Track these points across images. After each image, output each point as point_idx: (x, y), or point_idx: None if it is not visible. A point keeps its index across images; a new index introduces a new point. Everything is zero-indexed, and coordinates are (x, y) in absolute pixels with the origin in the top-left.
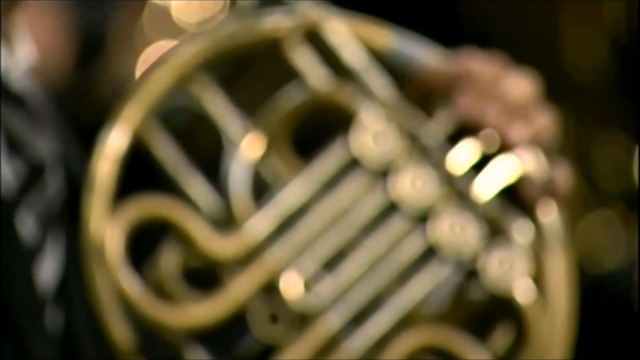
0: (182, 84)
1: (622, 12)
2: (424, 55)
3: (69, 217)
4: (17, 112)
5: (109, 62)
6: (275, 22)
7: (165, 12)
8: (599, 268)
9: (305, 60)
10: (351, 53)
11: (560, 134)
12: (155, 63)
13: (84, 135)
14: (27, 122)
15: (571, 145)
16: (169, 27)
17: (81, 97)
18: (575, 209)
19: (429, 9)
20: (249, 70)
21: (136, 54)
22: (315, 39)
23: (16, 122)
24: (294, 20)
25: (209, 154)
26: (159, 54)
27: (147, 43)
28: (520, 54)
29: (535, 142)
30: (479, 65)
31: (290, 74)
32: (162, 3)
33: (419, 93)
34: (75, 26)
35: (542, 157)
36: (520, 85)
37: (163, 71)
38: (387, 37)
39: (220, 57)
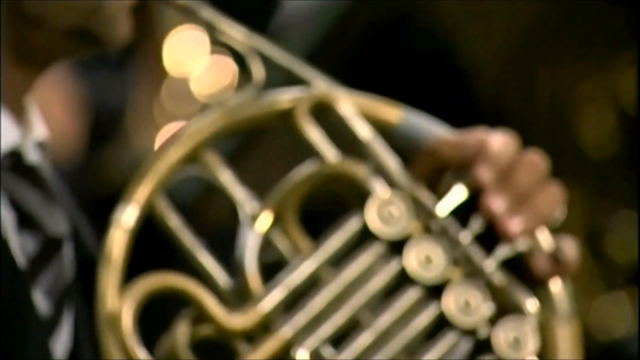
0: (191, 161)
1: (637, 91)
2: (433, 131)
3: (79, 291)
4: (31, 188)
5: (128, 137)
6: (287, 96)
7: (184, 86)
8: (608, 336)
9: (316, 134)
10: (361, 128)
11: (575, 212)
12: (166, 141)
13: (99, 210)
14: (41, 197)
15: (585, 224)
16: (188, 101)
17: (96, 174)
18: (586, 286)
19: (445, 88)
20: (259, 142)
21: (156, 128)
22: (325, 114)
23: (30, 197)
24: (305, 95)
25: (220, 222)
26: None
27: (167, 117)
28: (537, 133)
29: (542, 220)
30: (494, 141)
31: (299, 147)
32: (181, 77)
33: (430, 165)
34: (88, 103)
35: (548, 234)
36: (530, 165)
37: (173, 150)
38: (396, 114)
39: (230, 131)
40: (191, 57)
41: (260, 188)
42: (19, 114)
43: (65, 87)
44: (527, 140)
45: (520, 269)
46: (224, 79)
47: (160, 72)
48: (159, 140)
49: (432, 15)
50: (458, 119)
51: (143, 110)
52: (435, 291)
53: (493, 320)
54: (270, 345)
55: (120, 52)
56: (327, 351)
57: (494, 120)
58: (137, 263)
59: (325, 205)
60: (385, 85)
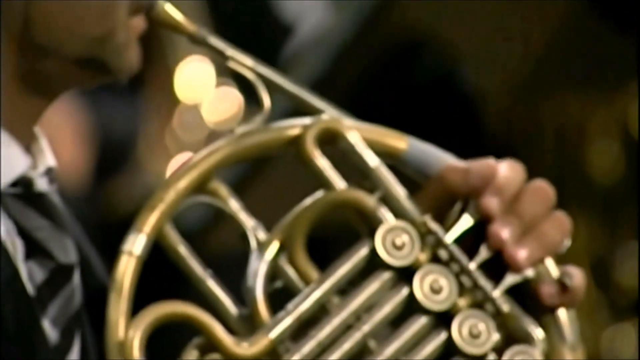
0: (200, 190)
1: None
2: (440, 161)
3: (88, 319)
4: (40, 216)
5: (140, 165)
6: (295, 123)
7: (196, 114)
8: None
9: (324, 161)
10: (369, 156)
11: (581, 241)
12: (175, 170)
13: (110, 238)
14: (50, 225)
15: (590, 254)
16: (200, 129)
17: (107, 202)
18: (592, 314)
19: (453, 118)
20: (265, 170)
21: (168, 156)
22: (332, 143)
23: (39, 225)
24: (313, 122)
25: (226, 250)
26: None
27: (179, 145)
28: (544, 163)
29: (549, 249)
30: (501, 170)
31: (305, 175)
32: (192, 105)
33: (438, 194)
34: (99, 132)
35: (553, 263)
36: (537, 194)
37: (181, 179)
38: (403, 144)
39: (238, 159)
40: (202, 84)
41: (266, 216)
42: (28, 143)
43: (75, 115)
44: (535, 169)
45: (528, 297)
46: (232, 109)
47: (171, 100)
48: (171, 169)
49: (439, 45)
50: (466, 148)
51: (154, 138)
52: (443, 319)
53: (501, 348)
54: None
55: (130, 80)
56: None
57: (501, 150)
58: (147, 290)
59: (332, 232)
60: (392, 114)
